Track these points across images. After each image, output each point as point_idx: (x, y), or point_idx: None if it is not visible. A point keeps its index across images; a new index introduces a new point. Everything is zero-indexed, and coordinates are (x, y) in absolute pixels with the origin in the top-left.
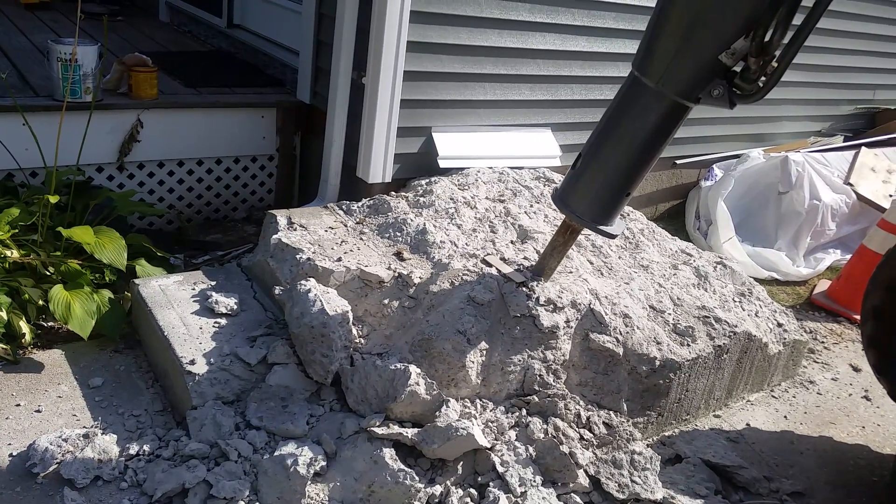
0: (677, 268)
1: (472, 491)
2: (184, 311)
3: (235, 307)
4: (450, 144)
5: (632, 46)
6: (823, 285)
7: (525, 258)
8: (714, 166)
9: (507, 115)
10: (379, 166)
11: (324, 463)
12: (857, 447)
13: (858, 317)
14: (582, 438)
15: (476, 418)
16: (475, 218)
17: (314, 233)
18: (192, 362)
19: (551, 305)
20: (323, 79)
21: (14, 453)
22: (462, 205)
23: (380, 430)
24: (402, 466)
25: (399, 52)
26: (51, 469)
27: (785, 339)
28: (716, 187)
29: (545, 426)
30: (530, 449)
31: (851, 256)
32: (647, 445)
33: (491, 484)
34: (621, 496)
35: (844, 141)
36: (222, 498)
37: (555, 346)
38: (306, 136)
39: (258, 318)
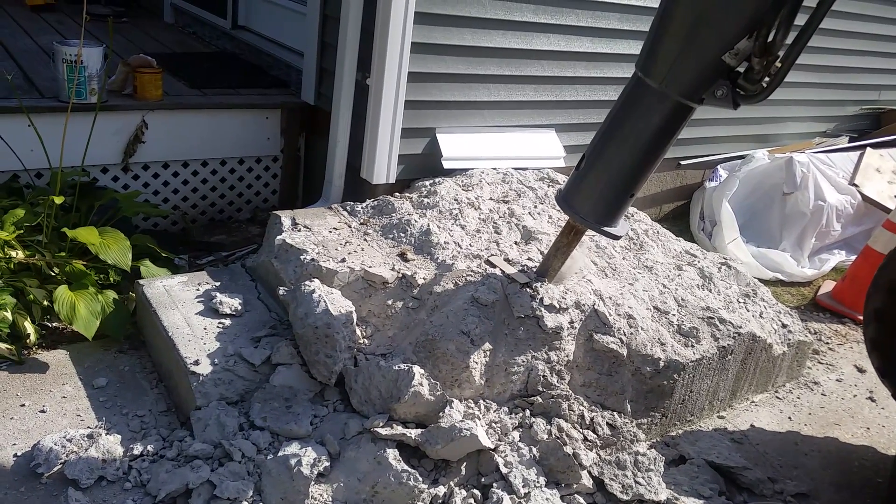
0: (682, 269)
1: (476, 492)
2: (188, 311)
3: (240, 308)
4: (454, 145)
5: (636, 47)
6: (828, 286)
7: (529, 259)
8: (719, 167)
9: (511, 116)
10: (383, 167)
11: (327, 463)
12: (861, 448)
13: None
14: (586, 439)
15: (480, 419)
16: (479, 219)
17: (318, 233)
18: (197, 363)
19: (555, 306)
20: (327, 80)
21: (18, 453)
22: (466, 206)
23: (383, 431)
24: (406, 467)
25: (403, 53)
26: (55, 469)
27: (789, 339)
28: (720, 188)
29: (549, 427)
30: (534, 450)
31: (856, 257)
32: (651, 446)
33: (494, 485)
34: (625, 497)
35: (849, 142)
36: (226, 498)
37: (558, 346)
38: (310, 137)
39: (262, 318)
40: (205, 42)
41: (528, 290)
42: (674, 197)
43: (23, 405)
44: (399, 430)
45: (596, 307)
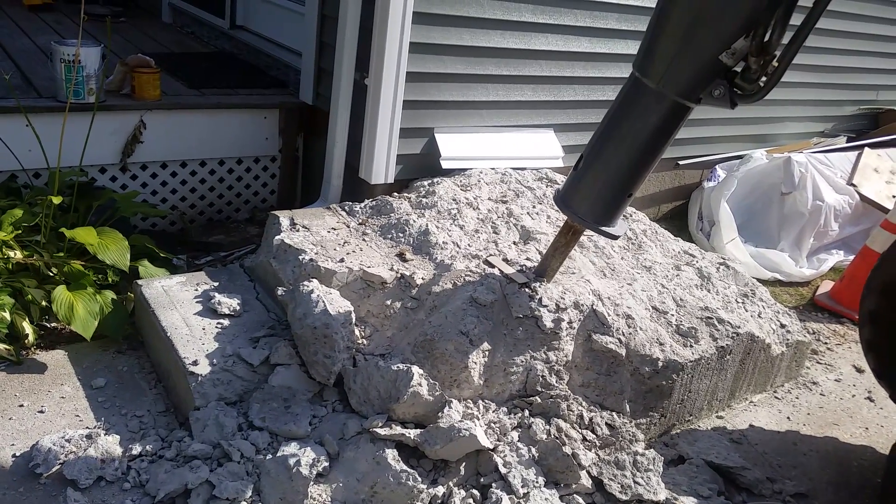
0: (680, 269)
1: (475, 492)
2: (186, 311)
3: (238, 308)
4: (452, 145)
5: (634, 47)
6: (826, 286)
7: (527, 259)
8: (717, 167)
9: (510, 116)
10: (381, 167)
11: (326, 464)
12: (860, 448)
13: None
14: (585, 439)
15: (478, 419)
16: (478, 219)
17: (317, 234)
18: (195, 363)
19: (554, 306)
20: (325, 80)
21: (17, 454)
22: (464, 206)
23: (382, 431)
24: (405, 467)
25: (402, 52)
26: (54, 469)
27: (788, 340)
28: (719, 188)
29: (548, 427)
30: (533, 450)
31: (854, 257)
32: (650, 446)
33: (493, 485)
34: (624, 497)
35: (847, 142)
36: (225, 499)
37: (557, 346)
38: (309, 137)
39: (261, 318)
40: (203, 42)
41: (526, 290)
42: (672, 197)
43: (21, 405)
44: (398, 430)
45: (594, 307)
